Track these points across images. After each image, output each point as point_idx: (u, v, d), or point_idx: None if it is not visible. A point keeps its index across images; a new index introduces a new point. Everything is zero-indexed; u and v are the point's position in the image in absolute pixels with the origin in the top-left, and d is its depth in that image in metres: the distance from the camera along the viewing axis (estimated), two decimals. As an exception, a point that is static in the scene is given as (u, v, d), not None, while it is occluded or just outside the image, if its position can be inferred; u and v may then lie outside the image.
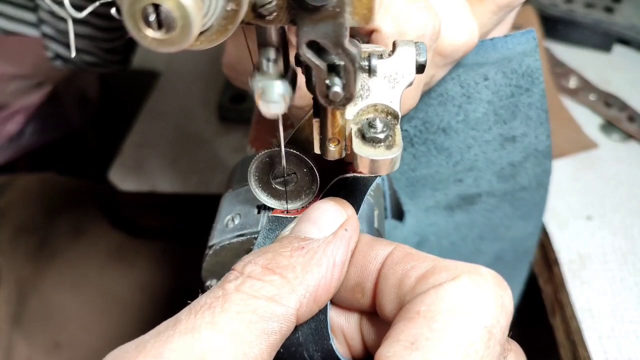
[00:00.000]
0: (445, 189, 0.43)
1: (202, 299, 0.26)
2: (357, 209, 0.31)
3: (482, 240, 0.48)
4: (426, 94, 0.39)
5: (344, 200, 0.31)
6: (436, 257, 0.27)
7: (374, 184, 0.33)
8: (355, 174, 0.33)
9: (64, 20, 0.57)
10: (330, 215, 0.29)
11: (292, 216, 0.33)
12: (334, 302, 0.30)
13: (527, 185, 0.45)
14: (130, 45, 0.69)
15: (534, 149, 0.43)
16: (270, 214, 0.34)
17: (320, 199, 0.33)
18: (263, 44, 0.27)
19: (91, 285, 0.76)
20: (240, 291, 0.26)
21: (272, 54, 0.27)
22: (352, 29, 0.24)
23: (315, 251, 0.28)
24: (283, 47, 0.28)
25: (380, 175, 0.33)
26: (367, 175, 0.33)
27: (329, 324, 0.28)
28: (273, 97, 0.27)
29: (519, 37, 0.38)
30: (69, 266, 0.76)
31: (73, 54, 0.29)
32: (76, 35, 0.58)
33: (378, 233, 0.37)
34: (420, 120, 0.40)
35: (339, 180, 0.33)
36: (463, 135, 0.41)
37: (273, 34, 0.27)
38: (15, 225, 0.75)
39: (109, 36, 0.62)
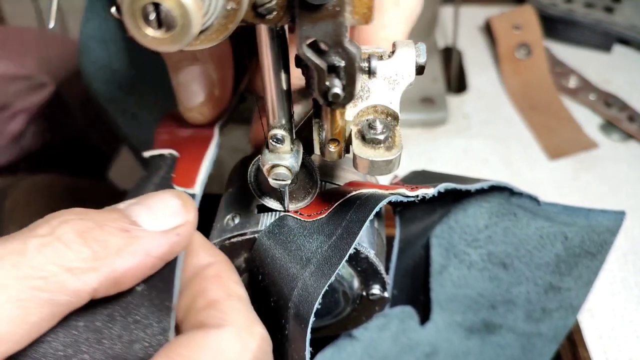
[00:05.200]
0: (477, 311, 0.44)
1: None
2: (362, 224, 0.31)
3: None
4: (503, 232, 0.41)
5: (191, 201, 0.29)
6: (233, 290, 0.28)
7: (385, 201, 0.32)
8: (376, 190, 0.33)
9: None
10: (169, 211, 0.28)
11: (306, 220, 0.33)
12: None
13: (545, 333, 0.46)
14: None
15: (569, 303, 0.44)
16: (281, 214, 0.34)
17: (333, 210, 0.33)
18: (272, 126, 0.29)
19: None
20: (42, 253, 0.24)
21: (279, 134, 0.29)
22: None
23: (137, 241, 0.26)
24: (289, 121, 0.29)
25: (393, 194, 0.33)
26: (382, 193, 0.33)
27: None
28: (282, 174, 0.30)
29: (612, 214, 0.40)
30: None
31: (51, 25, 0.29)
32: None
33: (377, 232, 0.37)
34: (486, 250, 0.41)
35: (357, 194, 0.33)
36: (519, 273, 0.42)
37: (281, 115, 0.29)
38: (21, 226, 0.75)
39: None
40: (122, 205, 0.28)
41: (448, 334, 0.45)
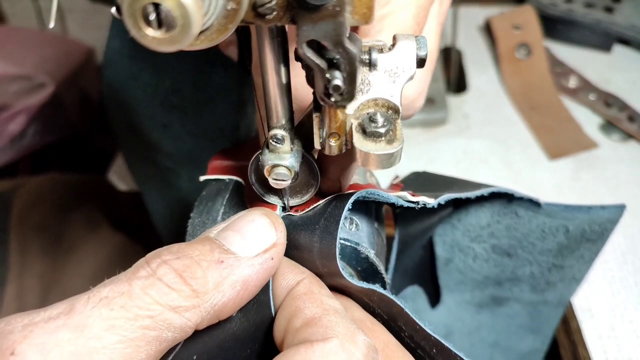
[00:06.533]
0: (484, 289, 0.46)
1: (105, 290, 0.25)
2: (354, 193, 0.32)
3: (495, 347, 0.50)
4: (506, 229, 0.42)
5: (279, 218, 0.30)
6: (328, 305, 0.27)
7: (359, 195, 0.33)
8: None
9: None
10: (260, 233, 0.28)
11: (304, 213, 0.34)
12: None
13: (550, 301, 0.47)
14: None
15: (572, 276, 0.45)
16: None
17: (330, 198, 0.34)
18: (271, 126, 0.29)
19: (111, 271, 0.77)
20: (147, 294, 0.25)
21: (279, 134, 0.29)
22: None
23: (233, 271, 0.26)
24: (290, 121, 0.29)
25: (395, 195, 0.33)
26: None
27: None
28: (282, 174, 0.30)
29: (612, 208, 0.41)
30: (86, 257, 0.78)
31: (51, 25, 0.29)
32: None
33: (377, 232, 0.37)
34: (489, 244, 0.42)
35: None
36: (523, 259, 0.43)
37: (280, 114, 0.29)
38: (30, 225, 0.77)
39: None
40: (213, 232, 0.29)
41: (459, 313, 0.46)
